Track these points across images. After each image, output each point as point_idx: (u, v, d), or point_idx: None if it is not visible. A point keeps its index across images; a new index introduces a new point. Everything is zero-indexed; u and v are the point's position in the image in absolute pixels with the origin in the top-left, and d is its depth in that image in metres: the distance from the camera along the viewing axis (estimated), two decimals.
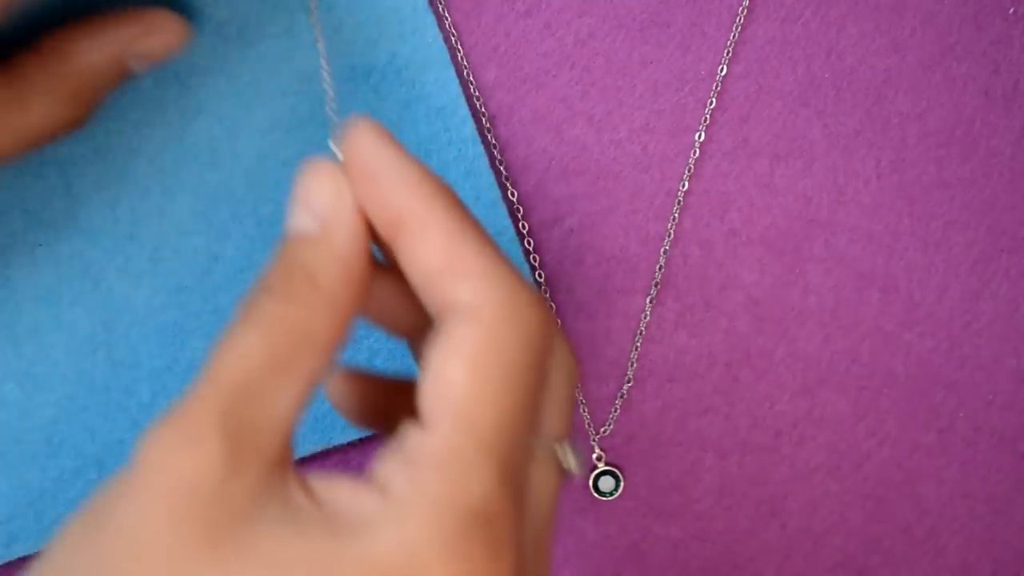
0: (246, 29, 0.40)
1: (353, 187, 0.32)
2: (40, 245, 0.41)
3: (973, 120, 0.43)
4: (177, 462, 0.28)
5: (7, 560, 0.42)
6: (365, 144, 0.32)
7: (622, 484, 0.43)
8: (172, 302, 0.42)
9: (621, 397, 0.43)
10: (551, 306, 0.43)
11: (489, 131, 0.42)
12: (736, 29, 0.43)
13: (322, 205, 0.32)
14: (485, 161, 0.42)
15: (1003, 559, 0.44)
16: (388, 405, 0.36)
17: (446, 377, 0.30)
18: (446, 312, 0.31)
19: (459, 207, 0.32)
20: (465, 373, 0.30)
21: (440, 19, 0.42)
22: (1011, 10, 0.43)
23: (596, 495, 0.43)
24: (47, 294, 0.41)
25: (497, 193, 0.42)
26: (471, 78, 0.42)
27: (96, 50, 0.36)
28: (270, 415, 0.29)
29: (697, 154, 0.43)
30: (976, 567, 0.44)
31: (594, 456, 0.43)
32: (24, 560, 0.43)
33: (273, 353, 0.30)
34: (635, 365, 0.43)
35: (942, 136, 0.43)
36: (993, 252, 0.43)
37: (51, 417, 0.42)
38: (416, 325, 0.35)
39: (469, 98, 0.42)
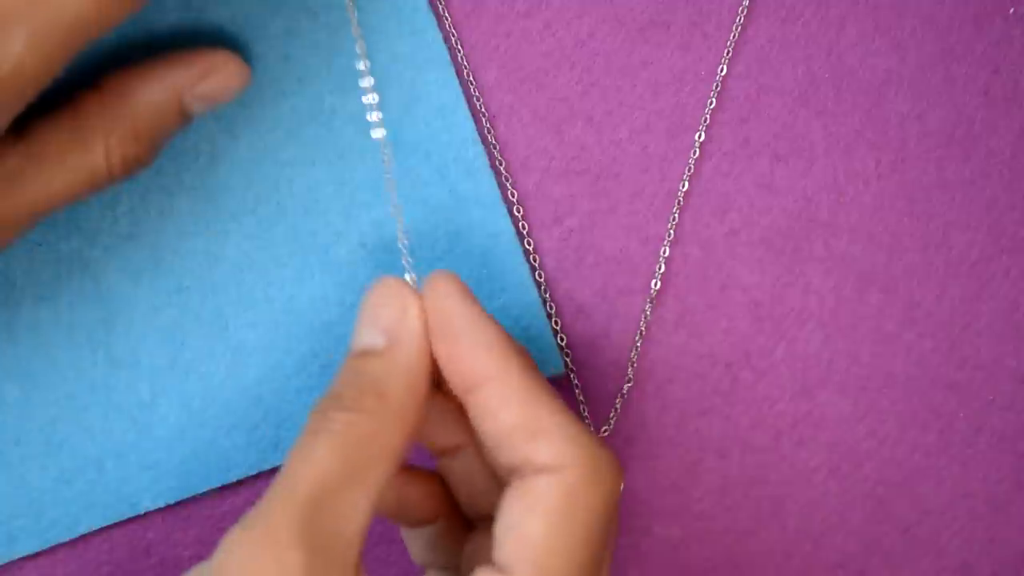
0: (247, 30, 0.40)
1: (433, 342, 0.35)
2: (40, 245, 0.41)
3: (973, 120, 0.43)
4: (259, 572, 0.30)
5: (7, 560, 0.42)
6: (447, 301, 0.35)
7: (622, 484, 0.43)
8: (172, 302, 0.42)
9: (621, 397, 0.43)
10: (551, 306, 0.43)
11: (489, 131, 0.42)
12: (736, 29, 0.43)
13: (389, 321, 0.35)
14: (485, 161, 0.42)
15: (1003, 559, 0.44)
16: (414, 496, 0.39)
17: (526, 532, 0.32)
18: (525, 468, 0.33)
19: (532, 368, 0.34)
20: (546, 529, 0.32)
21: (440, 19, 0.42)
22: (1011, 10, 0.43)
23: None
24: (47, 293, 0.41)
25: (497, 193, 0.42)
26: (471, 78, 0.42)
27: (156, 91, 0.37)
28: (345, 523, 0.32)
29: (697, 154, 0.43)
30: (976, 567, 0.44)
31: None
32: (24, 560, 0.43)
33: (346, 464, 0.32)
34: (635, 365, 0.43)
35: (942, 136, 0.43)
36: (993, 252, 0.43)
37: (51, 417, 0.42)
38: (450, 446, 0.38)
39: (469, 98, 0.42)
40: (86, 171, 0.36)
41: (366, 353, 0.35)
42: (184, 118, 0.38)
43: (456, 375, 0.35)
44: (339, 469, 0.32)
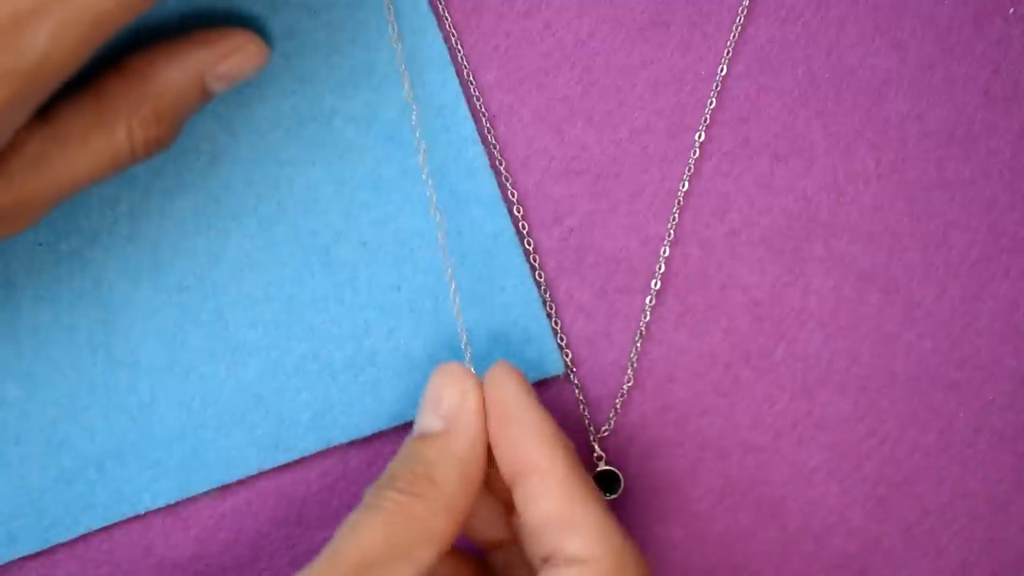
0: (246, 29, 0.40)
1: (490, 426, 0.37)
2: (40, 245, 0.41)
3: (973, 120, 0.43)
4: None
5: (7, 560, 0.42)
6: (506, 390, 0.37)
7: (622, 484, 0.43)
8: (172, 302, 0.42)
9: (621, 397, 0.43)
10: (551, 306, 0.43)
11: (489, 131, 0.42)
12: (736, 29, 0.43)
13: (449, 407, 0.37)
14: (485, 161, 0.42)
15: (1003, 559, 0.44)
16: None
17: None
18: (556, 558, 0.35)
19: (576, 462, 0.36)
20: None
21: (440, 19, 0.42)
22: (1011, 10, 0.43)
23: None
24: (47, 294, 0.41)
25: (497, 193, 0.42)
26: (471, 78, 0.42)
27: (178, 71, 0.37)
28: None
29: (697, 154, 0.43)
30: (976, 567, 0.44)
31: (594, 456, 0.43)
32: (24, 560, 0.43)
33: (392, 541, 0.34)
34: (635, 365, 0.43)
35: (942, 136, 0.43)
36: (993, 252, 0.43)
37: (51, 417, 0.42)
38: (495, 541, 0.40)
39: (469, 98, 0.42)
40: (109, 153, 0.36)
41: (424, 437, 0.37)
42: (205, 97, 0.38)
43: (507, 461, 0.37)
44: (384, 546, 0.34)
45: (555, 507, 0.36)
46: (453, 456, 0.36)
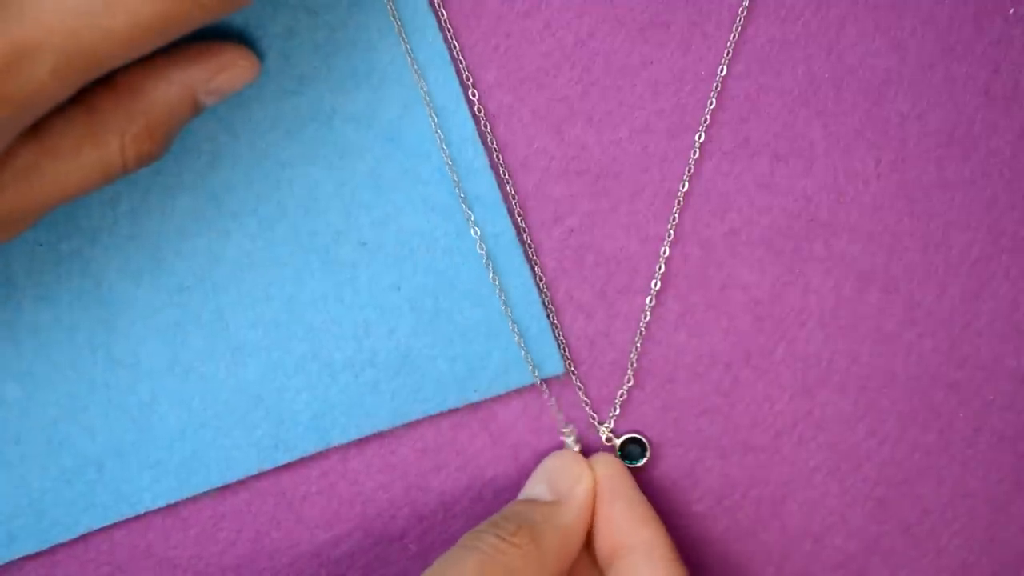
0: (247, 29, 0.40)
1: (599, 504, 0.40)
2: (40, 245, 0.41)
3: (973, 120, 0.43)
4: None
5: (7, 560, 0.42)
6: (614, 472, 0.40)
7: (648, 452, 0.43)
8: (172, 302, 0.42)
9: (621, 397, 0.43)
10: (551, 306, 0.43)
11: (489, 131, 0.42)
12: (736, 29, 0.43)
13: (562, 484, 0.40)
14: (485, 161, 0.42)
15: (1003, 559, 0.44)
16: None
17: None
18: None
19: (669, 545, 0.39)
20: None
21: (440, 19, 0.42)
22: (1011, 10, 0.43)
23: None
24: (47, 294, 0.41)
25: (497, 193, 0.42)
26: (471, 78, 0.42)
27: (170, 87, 0.37)
28: None
29: (697, 154, 0.43)
30: (976, 567, 0.44)
31: (607, 429, 0.43)
32: (24, 560, 0.43)
33: None
34: (635, 365, 0.43)
35: (942, 136, 0.43)
36: (993, 252, 0.43)
37: (51, 417, 0.42)
38: None
39: (469, 98, 0.42)
40: (100, 166, 0.36)
41: (532, 501, 0.39)
42: (196, 111, 0.38)
43: (609, 538, 0.39)
44: None
45: None
46: (558, 523, 0.39)
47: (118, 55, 0.32)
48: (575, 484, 0.40)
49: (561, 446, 0.43)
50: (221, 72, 0.38)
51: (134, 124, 0.36)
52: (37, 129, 0.35)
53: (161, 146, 0.37)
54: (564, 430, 0.42)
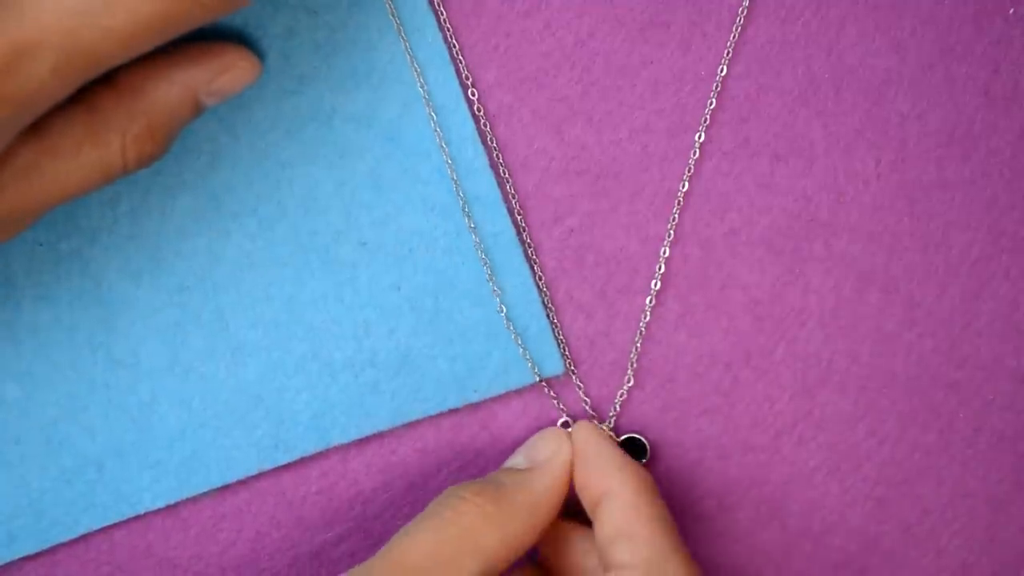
0: (247, 29, 0.40)
1: (575, 466, 0.40)
2: (40, 244, 0.41)
3: (973, 120, 0.43)
4: None
5: (7, 560, 0.42)
6: (591, 435, 0.40)
7: (648, 452, 0.43)
8: (172, 302, 0.42)
9: (621, 397, 0.43)
10: (551, 306, 0.43)
11: (489, 131, 0.42)
12: (736, 29, 0.43)
13: (539, 455, 0.40)
14: (485, 161, 0.42)
15: (1003, 559, 0.44)
16: None
17: None
18: (609, 567, 0.37)
19: (648, 488, 0.39)
20: None
21: (440, 19, 0.42)
22: (1011, 10, 0.43)
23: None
24: (47, 293, 0.41)
25: (497, 193, 0.42)
26: (471, 78, 0.42)
27: (172, 88, 0.37)
28: None
29: (697, 154, 0.43)
30: (976, 567, 0.44)
31: (607, 427, 0.43)
32: (24, 560, 0.43)
33: (439, 548, 0.36)
34: (635, 365, 0.43)
35: (942, 136, 0.43)
36: (993, 252, 0.43)
37: (51, 417, 0.42)
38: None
39: (469, 98, 0.42)
40: (101, 166, 0.36)
41: (506, 469, 0.40)
42: (197, 112, 0.38)
43: (587, 492, 0.39)
44: (432, 552, 0.36)
45: (617, 522, 0.38)
46: (526, 487, 0.38)
47: (118, 54, 0.32)
48: (551, 456, 0.40)
49: None
50: (223, 73, 0.38)
51: (135, 124, 0.36)
52: (37, 128, 0.35)
53: (162, 146, 0.37)
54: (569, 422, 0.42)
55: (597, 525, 0.39)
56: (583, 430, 0.40)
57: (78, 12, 0.31)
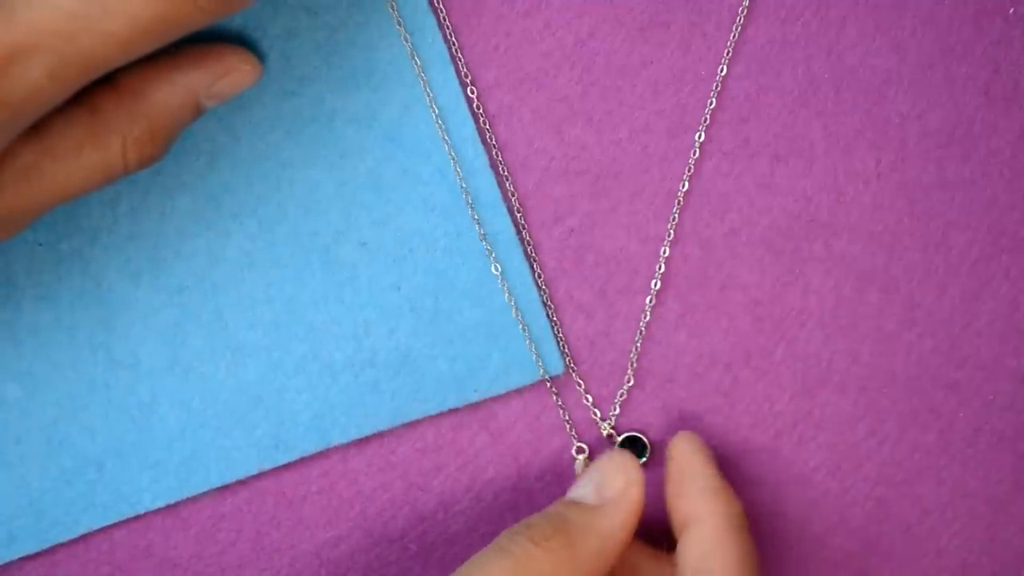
0: (246, 30, 0.40)
1: (667, 484, 0.40)
2: (40, 245, 0.41)
3: (973, 120, 0.43)
4: None
5: (7, 560, 0.42)
6: (685, 455, 0.40)
7: (648, 451, 0.43)
8: (172, 302, 0.42)
9: (621, 397, 0.43)
10: (551, 306, 0.43)
11: (489, 131, 0.42)
12: (736, 29, 0.43)
13: (611, 490, 0.38)
14: (485, 161, 0.42)
15: (1003, 559, 0.44)
16: None
17: None
18: None
19: (736, 525, 0.38)
20: None
21: (440, 19, 0.42)
22: (1011, 10, 0.43)
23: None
24: (47, 293, 0.41)
25: (497, 193, 0.42)
26: (471, 78, 0.42)
27: (173, 90, 0.37)
28: None
29: (697, 154, 0.43)
30: (976, 567, 0.44)
31: (608, 425, 0.43)
32: (24, 560, 0.43)
33: None
34: (635, 365, 0.43)
35: (942, 136, 0.43)
36: (993, 252, 0.43)
37: (51, 417, 0.42)
38: None
39: (469, 98, 0.42)
40: (102, 167, 0.36)
41: (574, 503, 0.38)
42: (197, 114, 0.38)
43: (676, 513, 0.39)
44: None
45: (701, 554, 0.38)
46: (597, 529, 0.38)
47: (116, 58, 0.32)
48: (623, 489, 0.39)
49: (565, 446, 0.43)
50: (223, 76, 0.38)
51: (136, 126, 0.36)
52: (38, 129, 0.35)
53: (162, 148, 0.37)
54: (577, 457, 0.43)
55: (681, 548, 0.39)
56: (683, 443, 0.40)
57: (75, 16, 0.31)
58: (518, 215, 0.43)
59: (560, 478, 0.43)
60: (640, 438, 0.43)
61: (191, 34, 0.34)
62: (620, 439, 0.43)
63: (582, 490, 0.39)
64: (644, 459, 0.43)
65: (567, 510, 0.38)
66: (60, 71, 0.32)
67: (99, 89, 0.36)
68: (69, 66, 0.32)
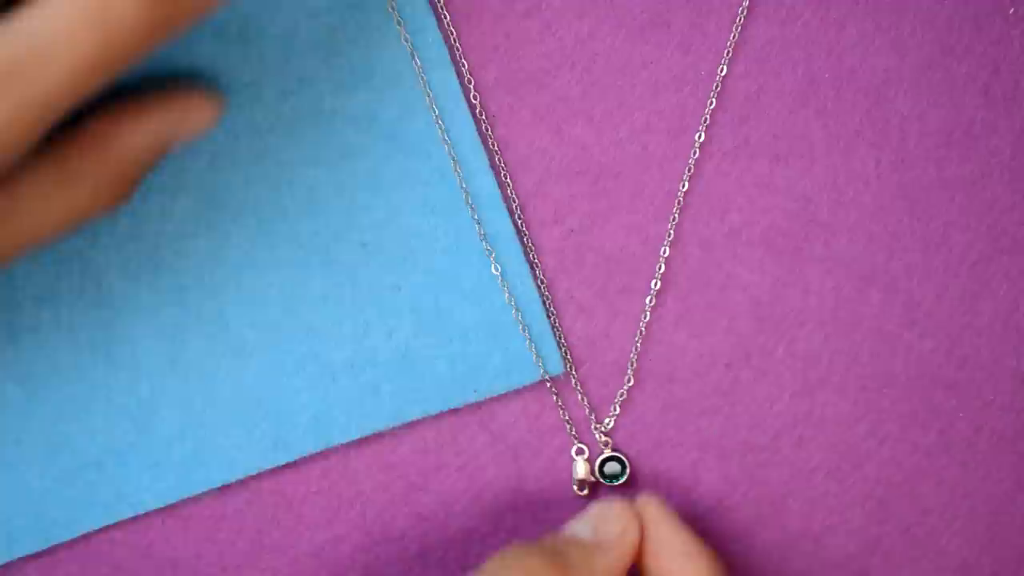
0: (246, 30, 0.40)
1: (646, 546, 0.40)
2: None
3: (973, 120, 0.43)
4: None
5: (7, 560, 0.42)
6: (656, 517, 0.40)
7: (628, 470, 0.43)
8: (172, 302, 0.42)
9: (621, 397, 0.43)
10: (551, 306, 0.43)
11: (489, 131, 0.42)
12: (736, 29, 0.43)
13: (608, 533, 0.39)
14: (485, 161, 0.42)
15: (1003, 559, 0.44)
16: None
17: None
18: None
19: (722, 570, 0.39)
20: None
21: (440, 19, 0.42)
22: (1011, 10, 0.43)
23: (603, 481, 0.43)
24: (47, 294, 0.41)
25: (497, 193, 0.42)
26: (471, 78, 0.42)
27: (140, 135, 0.37)
28: None
29: (697, 154, 0.43)
30: (976, 567, 0.44)
31: (600, 442, 0.43)
32: (24, 560, 0.43)
33: None
34: (635, 365, 0.43)
35: (942, 136, 0.43)
36: (993, 252, 0.43)
37: (51, 417, 0.42)
38: None
39: (469, 98, 0.42)
40: (73, 213, 0.36)
41: (573, 539, 0.39)
42: (164, 155, 0.38)
43: (653, 570, 0.39)
44: None
45: None
46: (593, 565, 0.38)
47: (70, 93, 0.32)
48: (621, 531, 0.39)
49: (565, 446, 0.43)
50: (187, 118, 0.37)
51: (106, 172, 0.36)
52: (3, 178, 0.35)
53: (130, 192, 0.37)
54: (576, 458, 0.43)
55: None
56: (651, 508, 0.40)
57: (15, 61, 0.31)
58: (518, 215, 0.43)
59: (560, 478, 0.43)
60: (621, 459, 0.43)
61: (178, 41, 0.33)
62: (600, 459, 0.43)
63: (579, 528, 0.40)
64: (624, 479, 0.43)
65: (565, 543, 0.38)
66: (17, 115, 0.31)
67: (66, 135, 0.36)
68: (20, 108, 0.31)
